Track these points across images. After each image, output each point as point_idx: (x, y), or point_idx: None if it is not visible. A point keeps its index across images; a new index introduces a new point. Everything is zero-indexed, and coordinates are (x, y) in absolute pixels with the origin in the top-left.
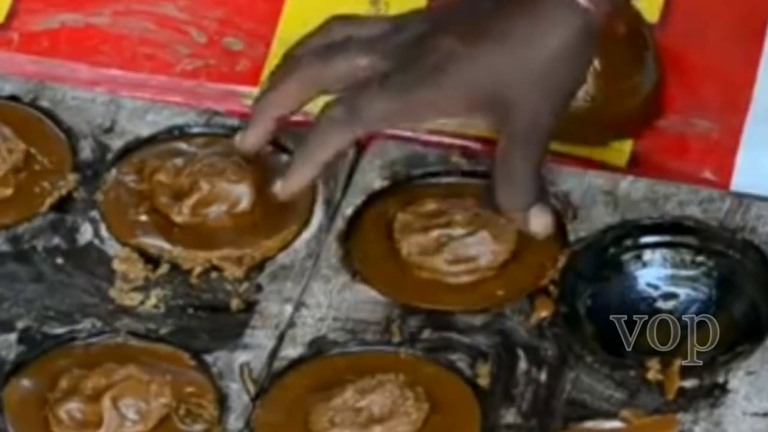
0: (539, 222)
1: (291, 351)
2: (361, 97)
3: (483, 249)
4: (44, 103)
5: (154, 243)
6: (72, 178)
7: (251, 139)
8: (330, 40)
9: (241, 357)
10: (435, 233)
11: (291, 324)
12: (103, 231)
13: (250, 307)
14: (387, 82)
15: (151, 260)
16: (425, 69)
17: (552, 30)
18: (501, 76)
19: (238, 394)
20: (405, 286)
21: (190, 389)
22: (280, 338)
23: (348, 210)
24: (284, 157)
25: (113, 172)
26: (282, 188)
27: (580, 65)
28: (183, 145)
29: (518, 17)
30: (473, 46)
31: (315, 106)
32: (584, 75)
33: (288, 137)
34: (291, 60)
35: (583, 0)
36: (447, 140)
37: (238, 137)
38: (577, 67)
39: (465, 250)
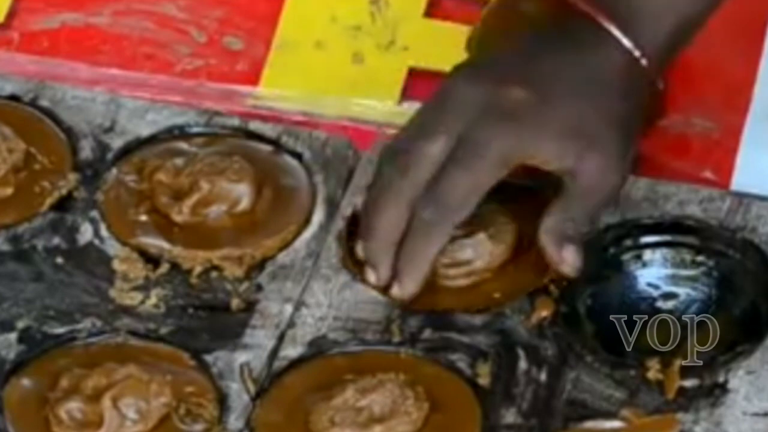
0: (573, 257)
1: (291, 351)
2: (441, 188)
3: (480, 251)
4: (44, 103)
5: (155, 243)
6: (72, 177)
7: (410, 287)
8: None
9: (241, 357)
10: None
11: (291, 324)
12: (103, 231)
13: (250, 306)
14: (460, 156)
15: (152, 260)
16: (499, 125)
17: (616, 81)
18: (577, 119)
19: (239, 394)
20: None
21: (190, 389)
22: (281, 338)
23: (348, 210)
24: (285, 157)
25: (113, 171)
26: (401, 293)
27: (639, 116)
28: (183, 145)
29: (567, 57)
30: (542, 91)
31: (318, 106)
32: (640, 127)
33: (289, 137)
34: (381, 193)
35: (638, 54)
36: None
37: (397, 292)
38: (638, 117)
39: (462, 253)
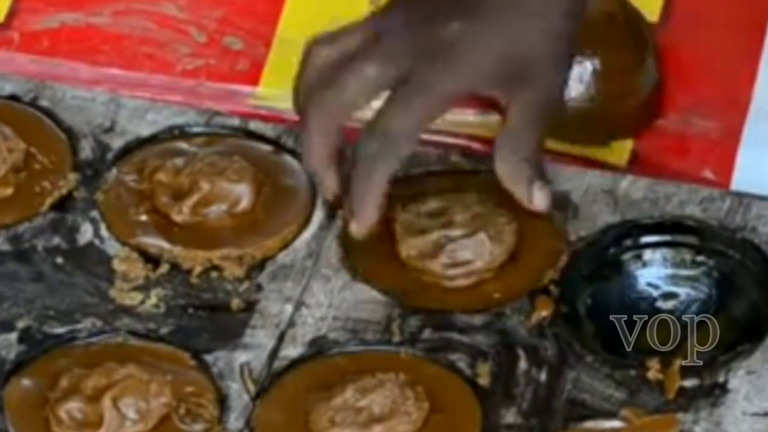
0: (541, 197)
1: (291, 350)
2: (386, 121)
3: (481, 251)
4: (44, 103)
5: (155, 243)
6: (72, 177)
7: (366, 223)
8: (323, 65)
9: (241, 356)
10: (434, 235)
11: (291, 323)
12: (104, 231)
13: (250, 306)
14: (404, 91)
15: (152, 260)
16: (438, 59)
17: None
18: (517, 48)
19: (239, 394)
20: (404, 288)
21: (190, 389)
22: (281, 338)
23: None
24: (285, 157)
25: (113, 171)
26: (356, 229)
27: (575, 40)
28: (183, 145)
29: None
30: (484, 23)
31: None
32: (575, 45)
33: (289, 137)
34: (306, 102)
35: None
36: (447, 140)
37: (355, 229)
38: (575, 41)
39: (463, 253)
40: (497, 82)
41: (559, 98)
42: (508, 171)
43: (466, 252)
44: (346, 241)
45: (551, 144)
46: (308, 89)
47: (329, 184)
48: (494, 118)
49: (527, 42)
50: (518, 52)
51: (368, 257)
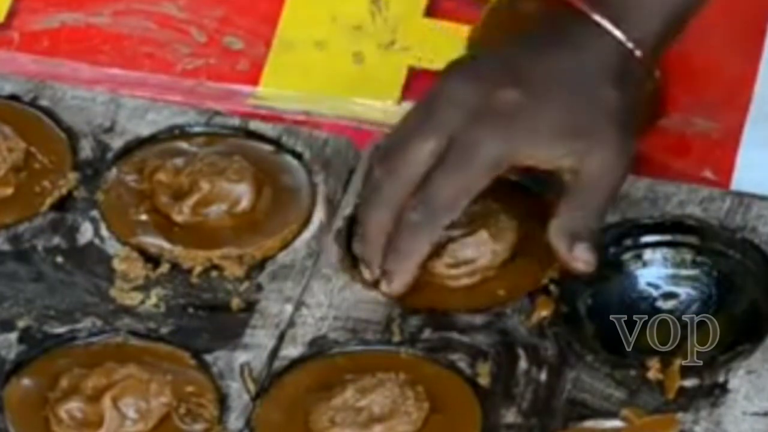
0: (585, 254)
1: (291, 350)
2: (429, 190)
3: (483, 249)
4: (44, 103)
5: (155, 242)
6: (72, 177)
7: (397, 286)
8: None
9: (241, 356)
10: None
11: (291, 323)
12: (104, 230)
13: (250, 306)
14: (450, 158)
15: (152, 260)
16: (489, 127)
17: (608, 74)
18: (573, 117)
19: (239, 394)
20: (409, 292)
21: (190, 389)
22: (281, 338)
23: (348, 209)
24: (286, 157)
25: (113, 171)
26: (389, 292)
27: (634, 101)
28: (183, 145)
29: (562, 56)
30: (534, 91)
31: (318, 106)
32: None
33: (290, 136)
34: (368, 186)
35: (621, 35)
36: None
37: (385, 289)
38: (636, 110)
39: (464, 252)
40: (551, 154)
41: (627, 170)
42: (558, 224)
43: (469, 251)
44: (345, 240)
45: None
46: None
47: (375, 271)
48: None
49: (592, 114)
50: (582, 124)
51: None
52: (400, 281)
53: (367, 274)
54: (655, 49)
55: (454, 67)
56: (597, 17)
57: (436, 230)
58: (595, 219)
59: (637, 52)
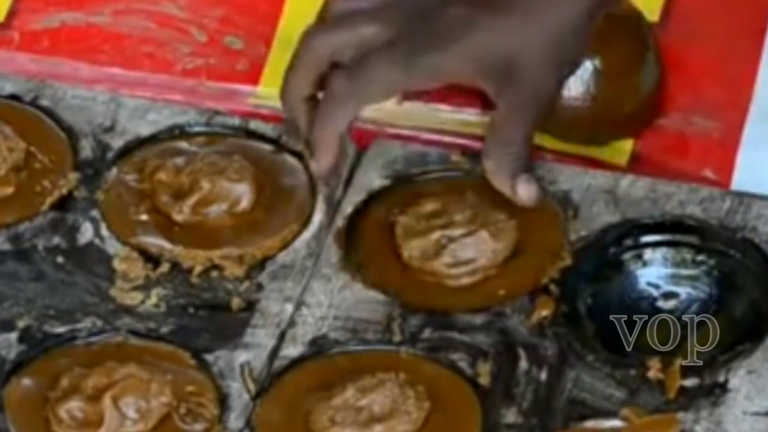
0: (526, 190)
1: (292, 350)
2: (362, 67)
3: (483, 249)
4: (45, 102)
5: (155, 242)
6: (72, 177)
7: (322, 162)
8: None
9: (241, 356)
10: (435, 235)
11: (292, 323)
12: (104, 230)
13: (250, 306)
14: (391, 49)
15: (152, 259)
16: (432, 35)
17: (564, 3)
18: (511, 44)
19: (239, 393)
20: (407, 289)
21: (190, 388)
22: (281, 337)
23: (348, 209)
24: (286, 157)
25: (114, 171)
26: (317, 168)
27: (582, 41)
28: (183, 144)
29: None
30: (486, 15)
31: None
32: (583, 52)
33: (289, 137)
34: (301, 40)
35: None
36: (447, 139)
37: (313, 167)
38: (580, 43)
39: (465, 252)
40: (483, 75)
41: (551, 95)
42: (493, 165)
43: (469, 250)
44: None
45: (551, 144)
46: (313, 27)
47: (302, 127)
48: None
49: (522, 40)
50: (510, 48)
51: (369, 259)
52: (324, 153)
53: (290, 137)
54: None
55: None
56: None
57: (354, 105)
58: (524, 144)
59: None
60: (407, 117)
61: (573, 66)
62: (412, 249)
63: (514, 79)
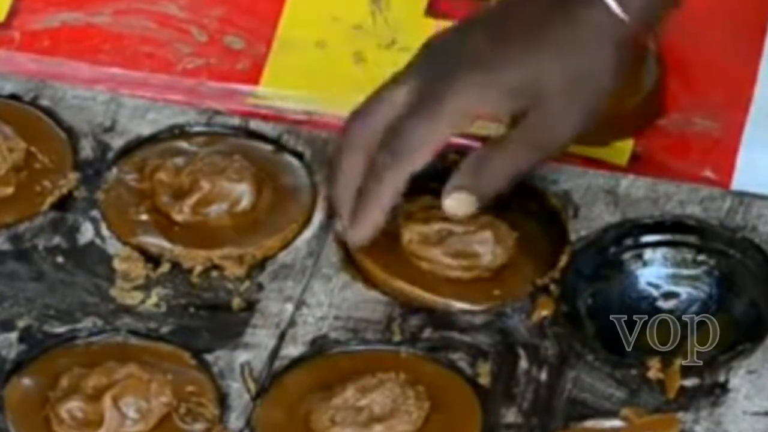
0: (456, 205)
1: (292, 350)
2: (397, 134)
3: (484, 248)
4: (45, 102)
5: (155, 242)
6: (73, 177)
7: (360, 233)
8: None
9: (241, 356)
10: (437, 225)
11: (292, 323)
12: (104, 230)
13: (251, 306)
14: (417, 106)
15: (152, 259)
16: (450, 77)
17: (590, 37)
18: (535, 74)
19: (239, 393)
20: (402, 275)
21: (190, 388)
22: (281, 337)
23: None
24: (286, 157)
25: (114, 171)
26: (352, 237)
27: (613, 77)
28: (184, 144)
29: (555, 22)
30: (504, 47)
31: (319, 106)
32: (613, 89)
33: (290, 136)
34: (342, 129)
35: (619, 11)
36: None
37: (344, 232)
38: (609, 78)
39: (465, 247)
40: (504, 108)
41: (564, 144)
42: (460, 181)
43: (471, 246)
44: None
45: None
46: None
47: (346, 218)
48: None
49: (553, 75)
50: (539, 83)
51: (367, 245)
52: (364, 227)
53: (338, 225)
54: (646, 16)
55: (437, 35)
56: None
57: (401, 174)
58: (501, 182)
59: (624, 17)
60: None
61: (596, 110)
62: (412, 233)
63: (531, 110)
